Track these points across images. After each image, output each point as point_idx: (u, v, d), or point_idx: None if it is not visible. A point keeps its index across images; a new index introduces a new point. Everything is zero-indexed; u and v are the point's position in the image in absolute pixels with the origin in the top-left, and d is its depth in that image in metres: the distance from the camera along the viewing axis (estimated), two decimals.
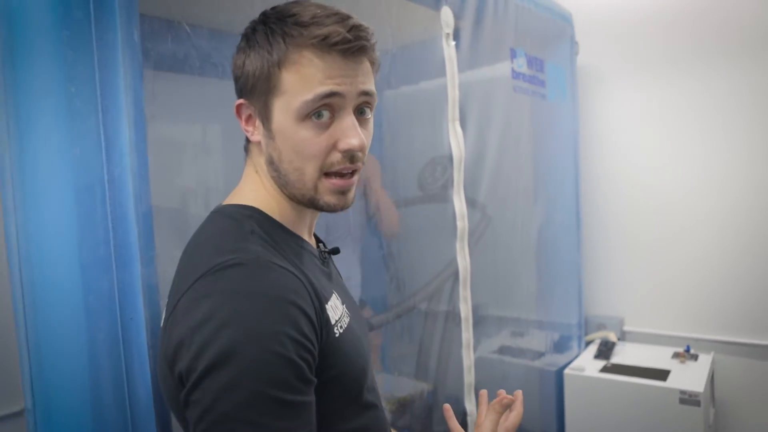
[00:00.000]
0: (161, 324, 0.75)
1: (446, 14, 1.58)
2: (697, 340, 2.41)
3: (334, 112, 0.71)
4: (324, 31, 0.68)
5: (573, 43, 2.43)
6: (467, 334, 1.70)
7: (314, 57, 0.68)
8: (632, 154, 2.53)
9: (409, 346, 1.86)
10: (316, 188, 0.73)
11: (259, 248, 0.69)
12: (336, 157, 0.72)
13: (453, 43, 1.60)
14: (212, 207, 0.81)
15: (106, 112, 0.84)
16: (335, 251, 0.90)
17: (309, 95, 0.68)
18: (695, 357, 2.30)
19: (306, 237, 0.82)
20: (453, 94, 1.61)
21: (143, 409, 0.88)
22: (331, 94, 0.69)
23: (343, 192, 0.74)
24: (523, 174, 2.12)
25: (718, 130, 2.33)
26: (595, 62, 2.57)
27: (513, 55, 1.93)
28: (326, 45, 0.68)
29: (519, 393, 0.96)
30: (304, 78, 0.69)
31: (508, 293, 2.12)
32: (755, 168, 2.27)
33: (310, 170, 0.72)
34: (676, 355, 2.32)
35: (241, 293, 0.63)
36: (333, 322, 0.72)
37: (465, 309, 1.70)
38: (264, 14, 0.75)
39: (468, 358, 1.70)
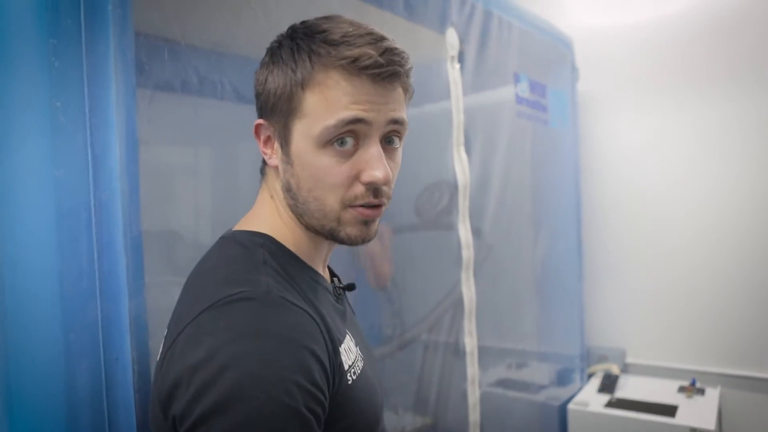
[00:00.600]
0: (157, 359, 0.67)
1: (451, 36, 1.54)
2: (702, 373, 2.34)
3: (359, 140, 0.65)
4: (354, 52, 0.62)
5: (574, 69, 2.41)
6: (473, 369, 1.62)
7: (341, 79, 0.63)
8: (634, 181, 2.49)
9: (407, 378, 1.78)
10: (338, 219, 0.67)
11: (271, 281, 0.62)
12: (359, 189, 0.66)
13: (458, 65, 1.56)
14: (208, 235, 0.73)
15: (95, 130, 0.76)
16: (351, 287, 0.82)
17: (332, 120, 0.63)
18: (702, 391, 2.22)
19: (320, 270, 0.75)
20: (458, 118, 1.56)
21: None
22: (356, 121, 0.63)
23: (366, 223, 0.68)
24: (525, 201, 2.06)
25: (722, 156, 2.30)
26: (595, 89, 2.55)
27: (517, 79, 1.89)
28: (356, 68, 0.63)
29: None
30: (328, 101, 0.63)
31: (509, 324, 2.05)
32: (760, 197, 2.23)
33: (331, 201, 0.66)
34: (682, 389, 2.25)
35: (247, 333, 0.56)
36: (346, 367, 0.66)
37: (470, 343, 1.62)
38: (292, 29, 0.69)
39: (473, 395, 1.61)
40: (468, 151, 1.60)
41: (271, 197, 0.72)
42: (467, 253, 1.60)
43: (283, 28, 0.73)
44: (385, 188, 0.67)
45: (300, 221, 0.70)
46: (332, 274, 0.84)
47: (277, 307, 0.59)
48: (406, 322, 1.63)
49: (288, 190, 0.69)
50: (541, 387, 2.20)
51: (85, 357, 0.75)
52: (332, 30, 0.64)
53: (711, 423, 1.92)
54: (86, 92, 0.75)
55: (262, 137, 0.71)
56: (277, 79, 0.66)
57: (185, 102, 0.96)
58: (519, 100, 1.91)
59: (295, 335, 0.58)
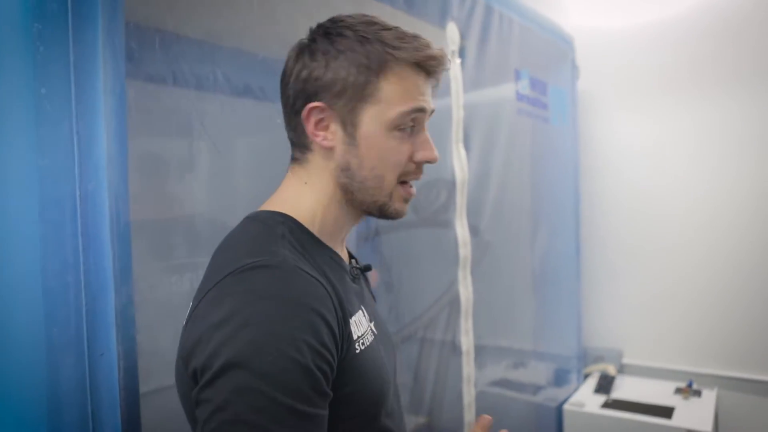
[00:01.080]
0: (183, 325, 0.71)
1: (452, 31, 1.51)
2: (698, 374, 2.33)
3: (415, 126, 0.75)
4: (427, 53, 0.73)
5: (574, 67, 2.39)
6: (468, 368, 1.60)
7: (413, 73, 0.73)
8: (633, 180, 2.47)
9: (403, 377, 1.76)
10: (391, 195, 0.76)
11: (287, 252, 0.68)
12: (411, 167, 0.76)
13: (459, 60, 1.53)
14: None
15: (82, 119, 0.74)
16: (368, 268, 0.88)
17: (407, 107, 0.73)
18: (698, 393, 2.21)
19: (339, 250, 0.80)
20: (457, 114, 1.54)
21: None
22: (422, 110, 0.74)
23: (406, 201, 0.79)
24: (524, 200, 2.04)
25: (721, 156, 2.29)
26: (595, 87, 2.53)
27: (518, 76, 1.87)
28: (424, 66, 0.73)
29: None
30: (405, 90, 0.73)
31: (506, 323, 2.03)
32: (758, 198, 2.21)
33: (390, 177, 0.75)
34: (678, 391, 2.24)
35: (265, 295, 0.62)
36: (355, 337, 0.71)
37: (467, 342, 1.60)
38: (353, 23, 0.73)
39: (468, 395, 1.59)
40: (467, 147, 1.58)
41: (304, 181, 0.77)
42: (464, 251, 1.58)
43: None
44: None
45: (349, 198, 0.76)
46: (350, 256, 0.88)
47: (291, 274, 0.64)
48: (401, 320, 1.61)
49: (346, 169, 0.75)
50: (538, 387, 2.18)
51: (68, 352, 0.73)
52: (387, 26, 0.73)
53: (708, 425, 1.91)
54: (73, 80, 0.72)
55: (314, 120, 0.74)
56: (345, 68, 0.71)
57: (176, 93, 0.94)
58: (519, 97, 1.89)
59: (307, 300, 0.63)
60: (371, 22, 0.74)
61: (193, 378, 0.62)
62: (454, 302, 1.65)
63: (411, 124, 0.74)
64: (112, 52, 0.78)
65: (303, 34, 0.78)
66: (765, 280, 2.22)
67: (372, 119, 0.72)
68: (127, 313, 0.82)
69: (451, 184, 1.58)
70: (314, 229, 0.76)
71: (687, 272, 2.37)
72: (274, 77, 0.82)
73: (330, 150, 0.75)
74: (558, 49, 2.27)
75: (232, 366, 0.58)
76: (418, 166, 0.77)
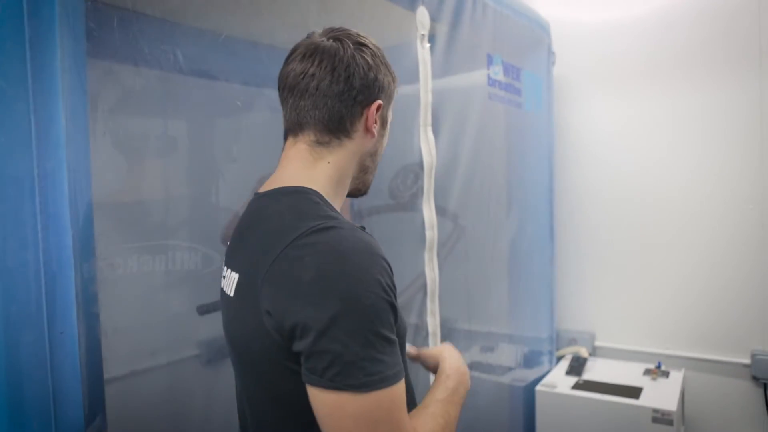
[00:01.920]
0: (233, 292, 0.79)
1: (422, 15, 1.52)
2: (668, 356, 2.39)
3: None
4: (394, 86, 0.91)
5: (550, 53, 2.40)
6: None
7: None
8: (607, 166, 2.51)
9: None
10: None
11: (335, 215, 0.78)
12: None
13: (428, 45, 1.54)
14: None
15: (39, 97, 0.74)
16: None
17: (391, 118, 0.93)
18: (666, 374, 2.26)
19: None
20: (426, 98, 1.55)
21: None
22: None
23: None
24: (496, 184, 2.06)
25: (694, 144, 2.33)
26: (571, 73, 2.55)
27: (490, 61, 1.88)
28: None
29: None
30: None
31: (479, 306, 2.05)
32: (731, 183, 2.26)
33: None
34: (647, 372, 2.29)
35: (346, 252, 0.70)
36: None
37: (433, 323, 1.62)
38: (361, 41, 0.86)
39: None
40: (436, 132, 1.59)
41: (328, 162, 0.85)
42: (431, 233, 1.60)
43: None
44: None
45: (357, 176, 0.90)
46: None
47: (354, 232, 0.74)
48: None
49: (374, 154, 0.91)
50: (510, 369, 2.22)
51: (27, 330, 0.73)
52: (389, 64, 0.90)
53: (673, 404, 1.96)
54: (28, 57, 0.72)
55: (376, 114, 0.86)
56: (384, 76, 0.87)
57: (137, 72, 0.93)
58: (491, 82, 1.90)
59: (375, 250, 0.73)
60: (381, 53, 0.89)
61: (291, 332, 0.69)
62: (425, 286, 1.66)
63: None
64: (70, 29, 0.77)
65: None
66: (731, 265, 2.28)
67: (389, 117, 0.91)
68: (88, 291, 0.82)
69: (421, 168, 1.59)
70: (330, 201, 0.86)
71: (659, 258, 2.42)
72: (234, 57, 0.82)
73: (372, 138, 0.88)
74: (533, 35, 2.28)
75: (340, 316, 0.66)
76: None
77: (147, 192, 1.00)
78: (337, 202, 0.87)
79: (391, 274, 0.74)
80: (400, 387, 0.70)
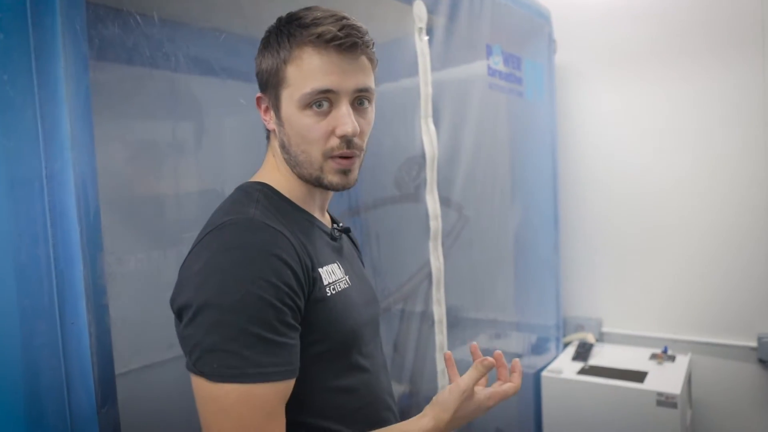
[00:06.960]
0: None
1: (419, 7, 1.54)
2: (674, 341, 2.40)
3: (332, 102, 0.80)
4: (319, 29, 0.77)
5: (551, 41, 2.41)
6: (441, 336, 1.66)
7: (314, 54, 0.78)
8: (610, 153, 2.52)
9: (384, 347, 1.82)
10: (321, 168, 0.83)
11: (257, 212, 0.79)
12: (335, 142, 0.81)
13: (426, 37, 1.56)
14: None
15: (44, 104, 0.78)
16: (347, 230, 0.99)
17: (307, 89, 0.78)
18: (672, 358, 2.28)
19: (317, 214, 0.91)
20: (426, 91, 1.57)
21: (86, 420, 0.82)
22: (326, 90, 0.79)
23: (344, 172, 0.83)
24: (499, 173, 2.08)
25: (697, 130, 2.33)
26: (573, 61, 2.56)
27: (489, 52, 1.90)
28: (322, 42, 0.77)
29: (517, 362, 0.99)
30: (304, 72, 0.78)
31: (485, 295, 2.08)
32: (735, 168, 2.26)
33: (315, 153, 0.82)
34: (653, 356, 2.31)
35: (232, 246, 0.73)
36: (325, 282, 0.82)
37: (439, 311, 1.66)
38: (278, 20, 0.84)
39: (442, 362, 1.65)
40: (437, 123, 1.62)
41: (273, 156, 0.88)
42: (435, 223, 1.63)
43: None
44: (356, 140, 0.82)
45: (294, 172, 0.86)
46: (334, 221, 0.99)
47: (256, 228, 0.75)
48: (383, 293, 1.67)
49: (283, 147, 0.85)
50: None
51: (41, 321, 0.78)
52: (306, 16, 0.79)
53: (677, 388, 1.99)
54: (34, 66, 0.76)
55: (263, 107, 0.87)
56: (267, 60, 0.82)
57: (140, 73, 0.97)
58: (491, 72, 1.92)
59: (268, 247, 0.74)
60: (297, 17, 0.81)
61: (178, 316, 0.75)
62: (430, 275, 1.70)
63: (322, 101, 0.79)
64: (72, 35, 0.81)
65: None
66: (736, 250, 2.28)
67: (287, 102, 0.81)
68: (98, 283, 0.87)
69: (425, 160, 1.62)
70: (291, 196, 0.87)
71: (664, 243, 2.43)
72: (236, 56, 0.86)
73: (273, 131, 0.87)
74: (534, 24, 2.29)
75: (207, 306, 0.70)
76: (342, 141, 0.81)
77: (154, 189, 1.05)
78: (302, 190, 0.87)
79: (291, 274, 0.73)
80: (265, 388, 0.70)
